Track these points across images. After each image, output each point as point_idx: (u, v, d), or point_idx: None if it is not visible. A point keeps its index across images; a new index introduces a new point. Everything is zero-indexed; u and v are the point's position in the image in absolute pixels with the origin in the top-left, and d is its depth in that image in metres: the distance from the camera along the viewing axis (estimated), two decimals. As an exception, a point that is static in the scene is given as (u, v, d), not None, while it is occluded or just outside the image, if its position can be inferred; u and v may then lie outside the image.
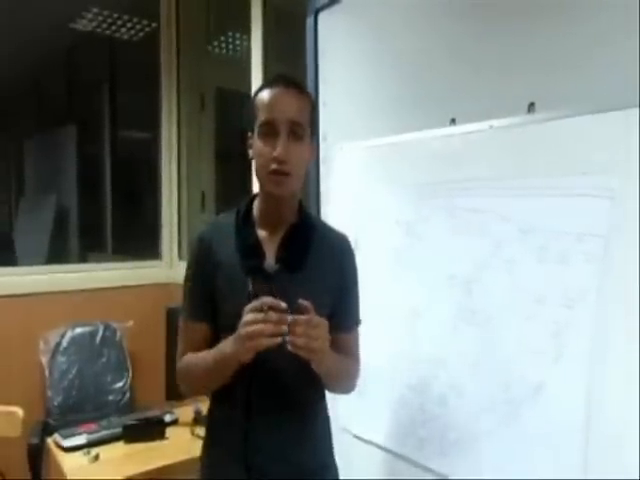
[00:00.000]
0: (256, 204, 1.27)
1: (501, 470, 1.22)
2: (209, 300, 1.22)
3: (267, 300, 1.05)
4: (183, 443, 2.05)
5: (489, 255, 1.28)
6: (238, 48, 3.28)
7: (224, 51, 3.41)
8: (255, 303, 1.06)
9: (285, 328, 1.04)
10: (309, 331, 1.05)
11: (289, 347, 1.04)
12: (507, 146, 1.27)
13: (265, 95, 1.17)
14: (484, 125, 1.31)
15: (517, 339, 1.21)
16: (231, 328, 1.10)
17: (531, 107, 1.23)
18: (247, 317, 1.06)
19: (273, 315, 1.04)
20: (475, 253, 1.31)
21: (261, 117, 1.16)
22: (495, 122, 1.29)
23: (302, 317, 1.05)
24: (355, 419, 1.60)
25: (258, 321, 1.04)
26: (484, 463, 1.26)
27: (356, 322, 1.32)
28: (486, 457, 1.26)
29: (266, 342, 1.04)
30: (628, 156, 1.04)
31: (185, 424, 2.22)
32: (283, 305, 1.04)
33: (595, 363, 1.07)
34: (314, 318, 1.07)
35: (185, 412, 2.27)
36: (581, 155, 1.12)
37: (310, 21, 1.90)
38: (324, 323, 1.09)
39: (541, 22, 1.23)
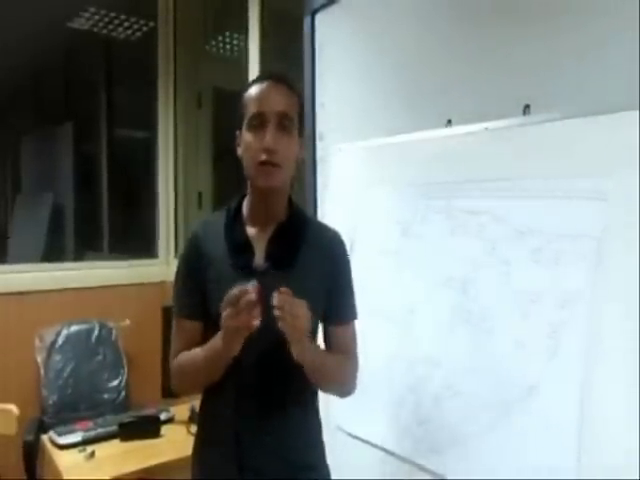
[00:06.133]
0: (246, 202, 1.27)
1: (495, 469, 1.23)
2: (201, 298, 1.22)
3: (234, 292, 1.06)
4: (179, 441, 2.06)
5: (485, 256, 1.29)
6: (235, 48, 3.28)
7: (221, 51, 3.41)
8: (229, 297, 1.07)
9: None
10: (293, 309, 1.07)
11: (278, 324, 1.06)
12: (502, 148, 1.28)
13: (254, 90, 1.20)
14: (480, 126, 1.32)
15: (512, 339, 1.22)
16: (221, 327, 1.11)
17: (526, 109, 1.24)
18: (226, 312, 1.07)
19: (243, 302, 1.04)
20: (471, 254, 1.32)
21: (250, 110, 1.18)
22: (491, 124, 1.30)
23: (286, 296, 1.07)
24: (349, 418, 1.61)
25: (236, 313, 1.05)
26: (479, 462, 1.27)
27: (352, 316, 1.31)
28: (481, 456, 1.27)
29: (246, 331, 1.07)
30: (622, 158, 1.05)
31: (181, 422, 2.23)
32: (251, 288, 1.05)
33: (589, 363, 1.07)
34: (295, 299, 1.08)
35: (181, 410, 2.28)
36: (576, 157, 1.13)
37: (307, 21, 1.90)
38: (304, 303, 1.10)
39: (536, 24, 1.24)
